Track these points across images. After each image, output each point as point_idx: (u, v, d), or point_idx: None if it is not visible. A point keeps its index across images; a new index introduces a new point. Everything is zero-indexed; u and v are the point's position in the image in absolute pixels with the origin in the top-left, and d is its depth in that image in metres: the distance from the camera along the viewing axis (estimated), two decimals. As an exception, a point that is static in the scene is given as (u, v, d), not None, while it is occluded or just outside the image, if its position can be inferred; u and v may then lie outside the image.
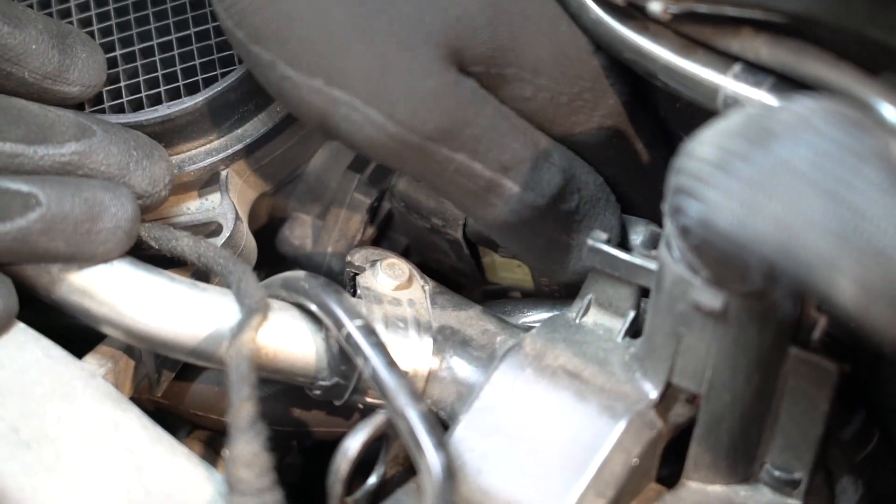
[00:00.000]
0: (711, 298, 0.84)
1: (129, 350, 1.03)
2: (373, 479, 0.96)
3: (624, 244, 1.07)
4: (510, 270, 1.21)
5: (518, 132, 0.99)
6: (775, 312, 0.86)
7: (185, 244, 0.99)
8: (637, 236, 1.05)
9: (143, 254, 1.00)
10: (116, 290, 0.96)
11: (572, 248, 1.03)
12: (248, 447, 0.86)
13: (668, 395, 0.93)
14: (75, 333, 1.00)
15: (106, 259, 0.97)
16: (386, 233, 1.22)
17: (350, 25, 0.93)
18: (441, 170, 0.97)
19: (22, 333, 0.96)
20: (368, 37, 0.93)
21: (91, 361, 1.00)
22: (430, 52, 0.94)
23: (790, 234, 0.71)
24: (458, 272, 1.21)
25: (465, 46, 0.96)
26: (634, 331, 0.98)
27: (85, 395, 0.93)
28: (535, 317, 1.14)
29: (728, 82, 0.91)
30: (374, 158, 0.98)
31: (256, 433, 0.86)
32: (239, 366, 0.89)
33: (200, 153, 1.09)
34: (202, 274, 1.04)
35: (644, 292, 0.97)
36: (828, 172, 0.71)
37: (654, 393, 0.92)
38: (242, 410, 0.87)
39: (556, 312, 1.09)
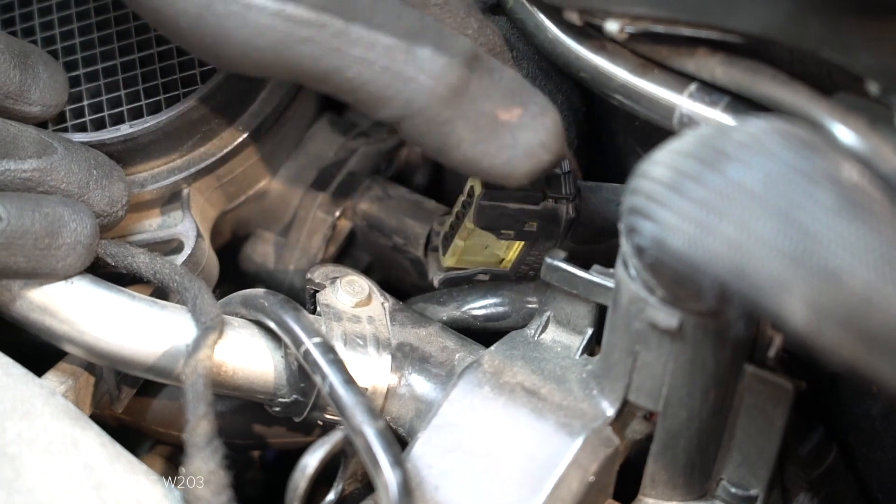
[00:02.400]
0: (667, 317, 0.85)
1: (89, 367, 1.03)
2: (331, 497, 0.96)
3: None
4: (478, 254, 1.18)
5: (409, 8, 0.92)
6: (730, 331, 0.87)
7: (141, 261, 0.99)
8: None
9: (104, 271, 1.00)
10: (76, 308, 0.96)
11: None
12: (204, 465, 0.86)
13: (625, 412, 0.93)
14: (36, 350, 1.00)
15: (66, 275, 0.96)
16: (348, 250, 1.22)
17: None
18: (341, 53, 0.89)
19: (-19, 352, 0.96)
20: None
21: (51, 378, 1.00)
22: None
23: (741, 255, 0.72)
24: (418, 290, 1.21)
25: None
26: (592, 348, 0.99)
27: (44, 413, 0.92)
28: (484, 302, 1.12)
29: (684, 101, 0.92)
30: (267, 62, 0.90)
31: (213, 450, 0.86)
32: (195, 384, 0.89)
33: (163, 172, 1.09)
34: (163, 292, 1.04)
35: (602, 310, 0.97)
36: (779, 194, 0.72)
37: (610, 410, 0.92)
38: (199, 428, 0.87)
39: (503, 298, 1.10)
